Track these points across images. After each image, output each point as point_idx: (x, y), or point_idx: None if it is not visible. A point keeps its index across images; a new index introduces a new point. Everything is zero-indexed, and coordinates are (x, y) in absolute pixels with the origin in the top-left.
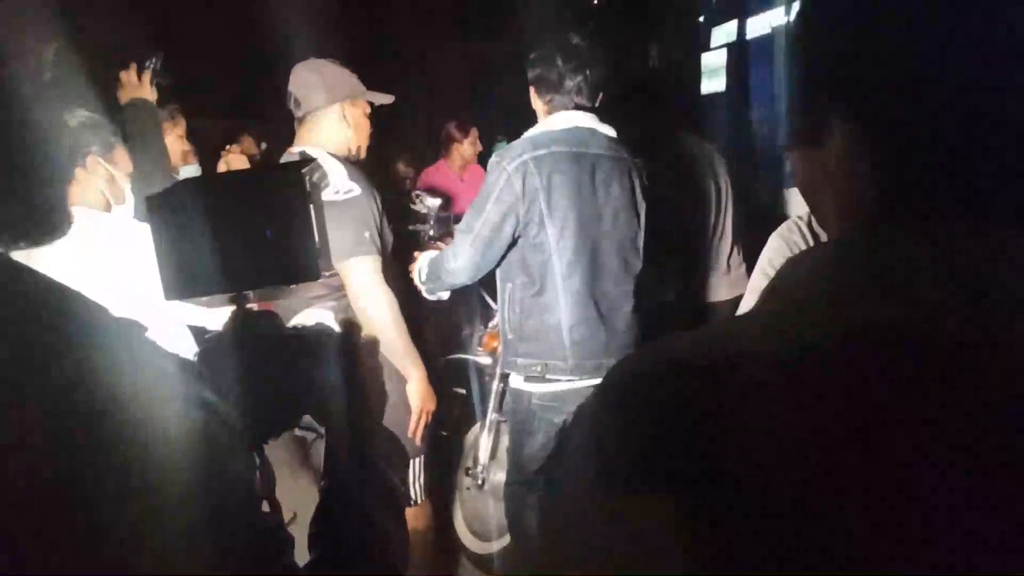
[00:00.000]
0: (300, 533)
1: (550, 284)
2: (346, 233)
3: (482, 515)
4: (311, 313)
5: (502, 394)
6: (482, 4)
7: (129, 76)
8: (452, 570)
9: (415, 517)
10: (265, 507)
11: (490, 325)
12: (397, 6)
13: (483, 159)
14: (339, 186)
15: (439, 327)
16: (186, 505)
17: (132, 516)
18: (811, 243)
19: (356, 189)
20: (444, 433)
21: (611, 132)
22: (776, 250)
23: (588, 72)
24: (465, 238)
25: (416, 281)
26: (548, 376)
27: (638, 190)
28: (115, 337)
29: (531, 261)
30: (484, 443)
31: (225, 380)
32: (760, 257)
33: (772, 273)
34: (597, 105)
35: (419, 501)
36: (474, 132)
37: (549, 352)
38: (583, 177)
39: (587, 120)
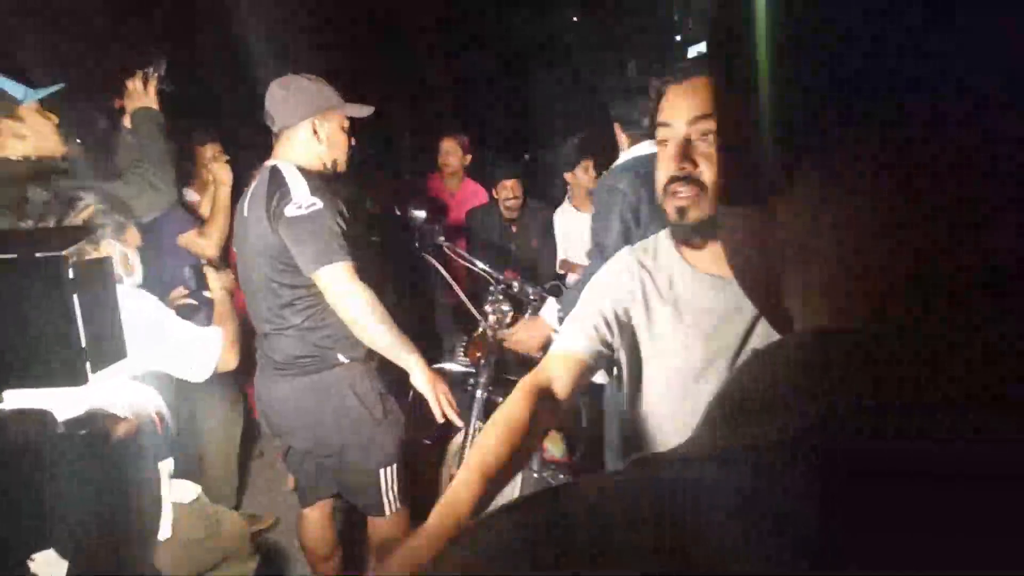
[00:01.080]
0: (285, 538)
1: None
2: (312, 246)
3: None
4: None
5: (485, 402)
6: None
7: (135, 85)
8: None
9: (391, 526)
10: None
11: (474, 335)
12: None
13: (473, 173)
14: (301, 201)
15: (421, 337)
16: None
17: None
18: (648, 285)
19: (318, 203)
20: (427, 441)
21: None
22: (600, 287)
23: None
24: (603, 252)
25: (557, 326)
26: None
27: None
28: None
29: None
30: (468, 450)
31: None
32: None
33: (588, 319)
34: None
35: (393, 510)
36: (463, 146)
37: None
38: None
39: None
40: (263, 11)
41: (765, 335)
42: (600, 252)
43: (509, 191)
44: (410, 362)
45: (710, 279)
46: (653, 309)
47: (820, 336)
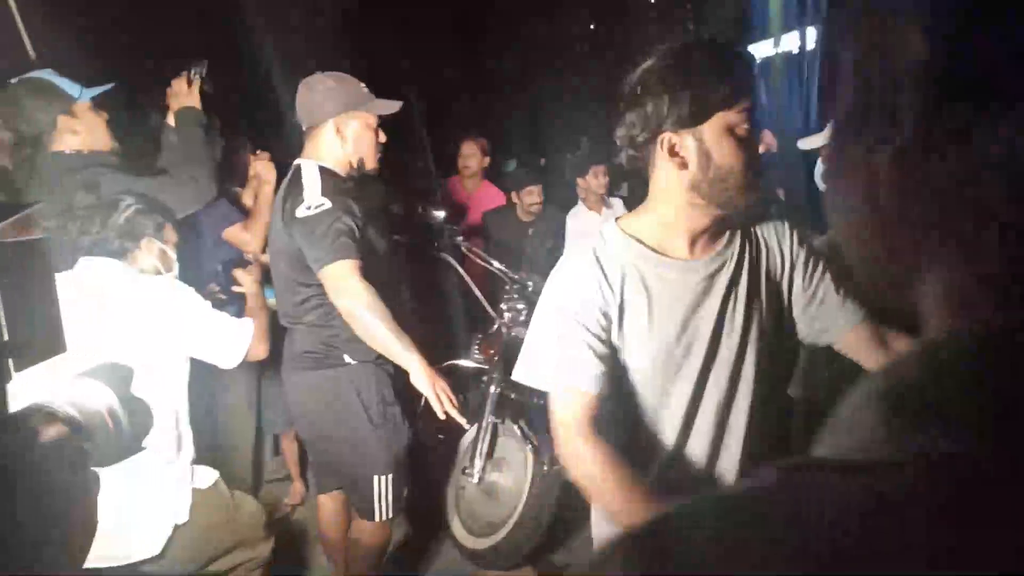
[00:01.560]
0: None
1: None
2: (319, 246)
3: (477, 513)
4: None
5: (498, 397)
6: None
7: (180, 85)
8: (447, 566)
9: (373, 530)
10: None
11: (489, 332)
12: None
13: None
14: (310, 202)
15: (438, 336)
16: None
17: None
18: (605, 289)
19: (326, 203)
20: (440, 436)
21: None
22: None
23: None
24: None
25: None
26: None
27: None
28: None
29: None
30: (481, 444)
31: None
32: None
33: (561, 315)
34: None
35: (383, 518)
36: (482, 149)
37: None
38: None
39: None
40: (288, 13)
41: (737, 319)
42: None
43: (535, 196)
44: (409, 361)
45: (681, 263)
46: (627, 306)
47: (998, 333)
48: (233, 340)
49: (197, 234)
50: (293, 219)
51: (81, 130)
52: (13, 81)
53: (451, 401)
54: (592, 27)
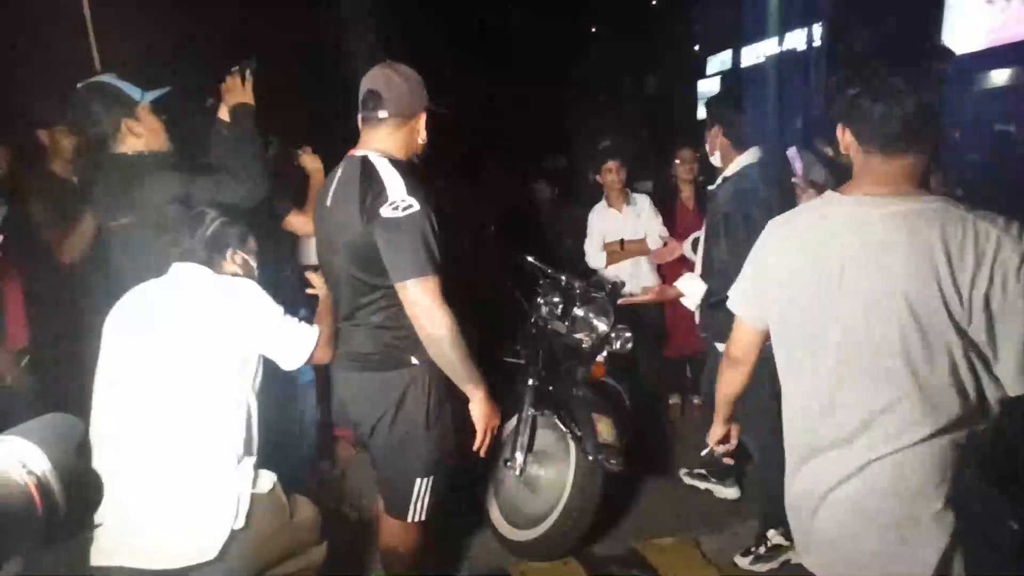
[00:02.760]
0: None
1: None
2: (404, 253)
3: (519, 505)
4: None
5: (536, 390)
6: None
7: (234, 82)
8: (489, 560)
9: (404, 532)
10: None
11: (526, 326)
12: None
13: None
14: (396, 200)
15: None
16: None
17: None
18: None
19: (415, 205)
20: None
21: None
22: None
23: None
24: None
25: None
26: None
27: None
28: None
29: None
30: (521, 437)
31: None
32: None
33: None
34: None
35: (415, 519)
36: None
37: None
38: None
39: None
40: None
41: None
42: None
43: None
44: (474, 393)
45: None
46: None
47: None
48: (300, 344)
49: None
50: (376, 217)
51: (143, 132)
52: (79, 86)
53: (489, 442)
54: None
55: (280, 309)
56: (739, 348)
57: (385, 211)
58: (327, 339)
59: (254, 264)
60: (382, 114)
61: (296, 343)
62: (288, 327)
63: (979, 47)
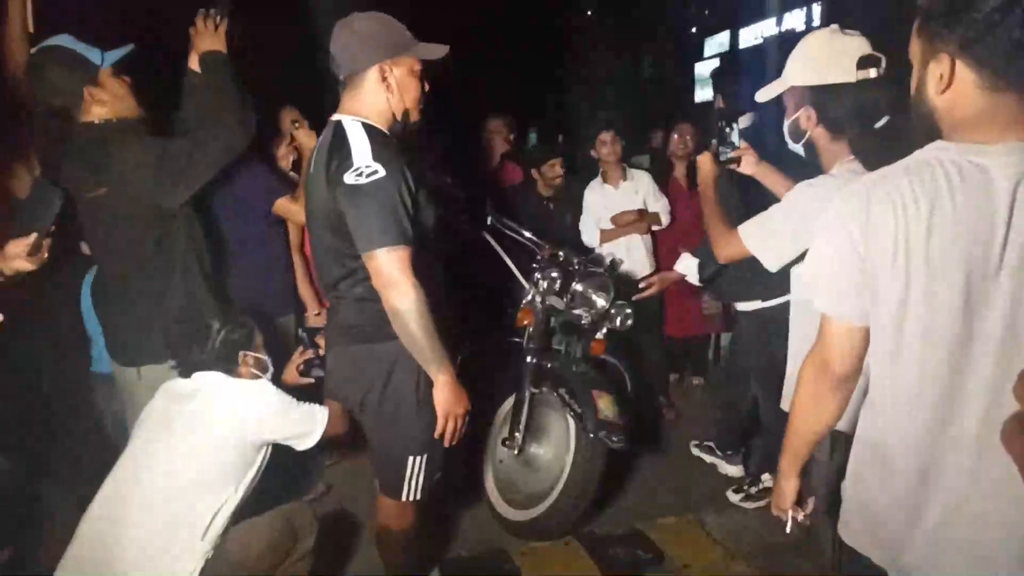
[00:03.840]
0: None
1: None
2: (369, 222)
3: (518, 485)
4: None
5: (535, 367)
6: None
7: (204, 27)
8: (488, 540)
9: (398, 510)
10: None
11: (523, 303)
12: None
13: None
14: (361, 165)
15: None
16: None
17: None
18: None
19: (380, 170)
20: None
21: None
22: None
23: None
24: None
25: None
26: None
27: None
28: None
29: None
30: (520, 415)
31: None
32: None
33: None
34: None
35: (409, 498)
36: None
37: None
38: None
39: None
40: None
41: None
42: None
43: (557, 169)
44: (438, 376)
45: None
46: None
47: None
48: (312, 429)
49: (248, 208)
50: (340, 184)
51: (108, 99)
52: (33, 51)
53: (456, 433)
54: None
55: (291, 401)
56: (844, 361)
57: (348, 178)
58: (339, 411)
59: (266, 358)
60: (341, 74)
61: (308, 430)
62: (300, 418)
63: None
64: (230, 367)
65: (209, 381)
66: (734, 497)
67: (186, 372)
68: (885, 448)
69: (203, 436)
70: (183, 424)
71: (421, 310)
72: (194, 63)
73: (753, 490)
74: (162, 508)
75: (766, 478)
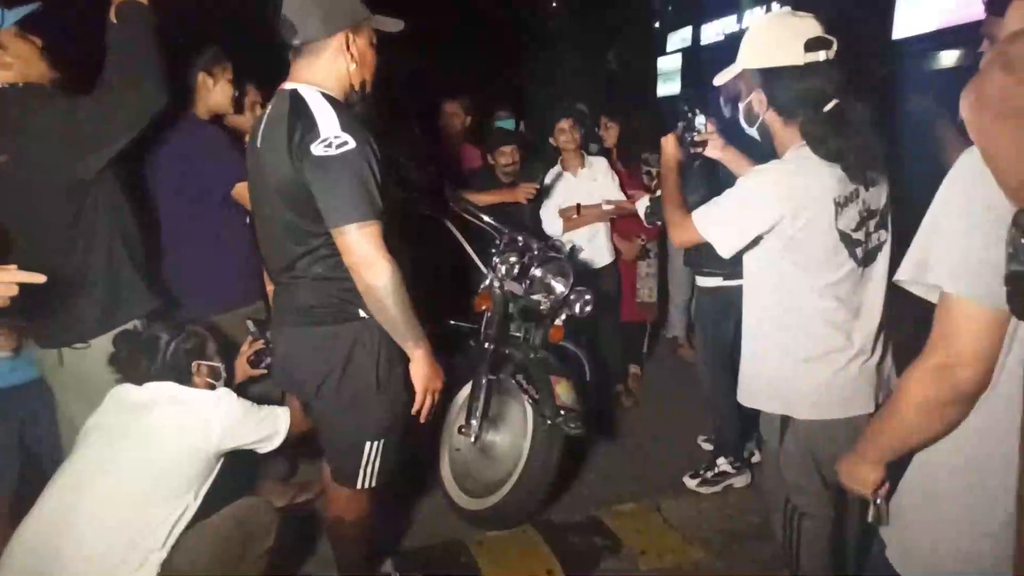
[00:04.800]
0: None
1: None
2: (339, 195)
3: (475, 473)
4: None
5: (492, 354)
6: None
7: None
8: (443, 530)
9: (351, 500)
10: None
11: (481, 288)
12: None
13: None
14: (329, 136)
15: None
16: None
17: None
18: None
19: (350, 141)
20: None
21: None
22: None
23: None
24: None
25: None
26: None
27: None
28: None
29: None
30: (477, 402)
31: None
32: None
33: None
34: None
35: (364, 486)
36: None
37: None
38: None
39: None
40: None
41: None
42: None
43: (508, 156)
44: (415, 351)
45: None
46: None
47: None
48: (275, 431)
49: (206, 191)
50: (307, 155)
51: (12, 61)
52: None
53: (431, 409)
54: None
55: (251, 407)
56: (979, 363)
57: (317, 148)
58: (298, 409)
59: (220, 365)
60: (296, 41)
61: (271, 432)
62: (260, 422)
63: (930, 28)
64: (182, 377)
65: (165, 393)
66: (691, 482)
67: (137, 382)
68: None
69: (162, 449)
70: (140, 436)
71: (396, 286)
72: (113, 15)
73: (709, 475)
74: (116, 520)
75: (721, 462)
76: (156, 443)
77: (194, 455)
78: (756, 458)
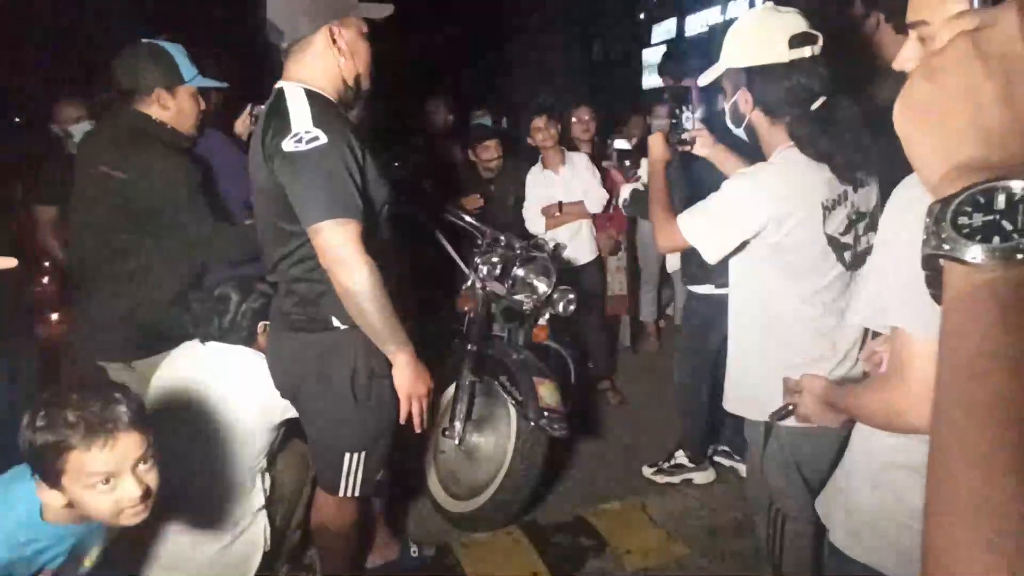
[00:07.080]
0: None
1: None
2: (312, 192)
3: (459, 475)
4: None
5: (475, 355)
6: None
7: None
8: (429, 532)
9: (336, 507)
10: None
11: (463, 289)
12: None
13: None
14: (299, 131)
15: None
16: None
17: None
18: None
19: (321, 137)
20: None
21: None
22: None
23: None
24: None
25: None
26: None
27: None
28: None
29: None
30: (461, 405)
31: None
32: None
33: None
34: None
35: (347, 495)
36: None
37: None
38: None
39: None
40: None
41: None
42: None
43: (491, 152)
44: (397, 356)
45: None
46: None
47: None
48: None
49: (231, 198)
50: (278, 152)
51: (171, 108)
52: (144, 40)
53: (420, 414)
54: None
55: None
56: (928, 400)
57: (287, 144)
58: None
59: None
60: (283, 44)
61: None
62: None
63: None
64: (249, 338)
65: (227, 355)
66: (647, 471)
67: (204, 340)
68: None
69: (243, 412)
70: (220, 402)
71: (374, 288)
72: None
73: (665, 465)
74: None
75: (679, 455)
76: (236, 407)
77: (260, 416)
78: (724, 460)
